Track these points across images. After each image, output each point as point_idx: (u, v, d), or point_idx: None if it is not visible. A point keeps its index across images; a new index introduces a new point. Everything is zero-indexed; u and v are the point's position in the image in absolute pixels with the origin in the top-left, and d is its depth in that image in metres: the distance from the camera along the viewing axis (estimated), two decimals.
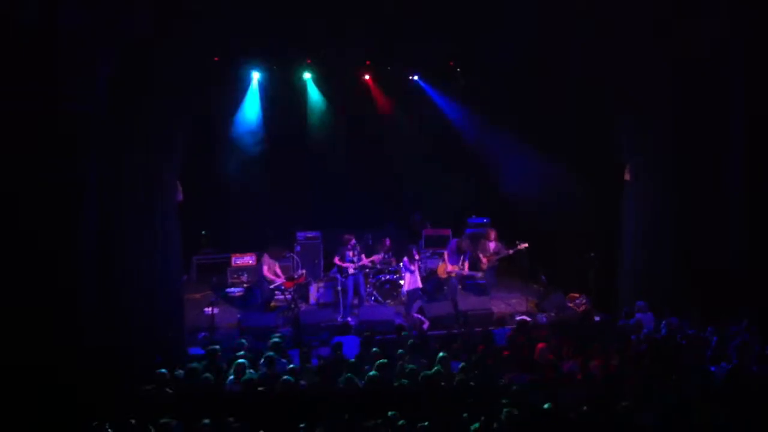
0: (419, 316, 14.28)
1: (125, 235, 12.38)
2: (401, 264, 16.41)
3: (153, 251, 13.05)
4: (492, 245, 17.20)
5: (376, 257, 16.66)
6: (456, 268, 16.58)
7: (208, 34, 13.37)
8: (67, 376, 10.41)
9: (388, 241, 17.50)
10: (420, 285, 16.32)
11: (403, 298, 16.40)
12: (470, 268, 16.95)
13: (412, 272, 16.05)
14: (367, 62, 18.26)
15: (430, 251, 17.94)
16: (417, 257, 16.26)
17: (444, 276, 16.69)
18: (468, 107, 19.04)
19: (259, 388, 9.92)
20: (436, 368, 10.41)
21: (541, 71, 15.91)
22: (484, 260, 17.16)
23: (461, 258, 16.68)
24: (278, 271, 16.56)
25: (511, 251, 16.94)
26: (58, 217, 10.67)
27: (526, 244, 16.71)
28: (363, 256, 16.21)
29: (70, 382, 10.36)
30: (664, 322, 12.39)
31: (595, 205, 16.07)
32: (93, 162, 11.30)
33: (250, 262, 17.42)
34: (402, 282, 16.54)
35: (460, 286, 17.29)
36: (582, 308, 15.25)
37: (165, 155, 13.20)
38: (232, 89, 17.99)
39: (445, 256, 16.88)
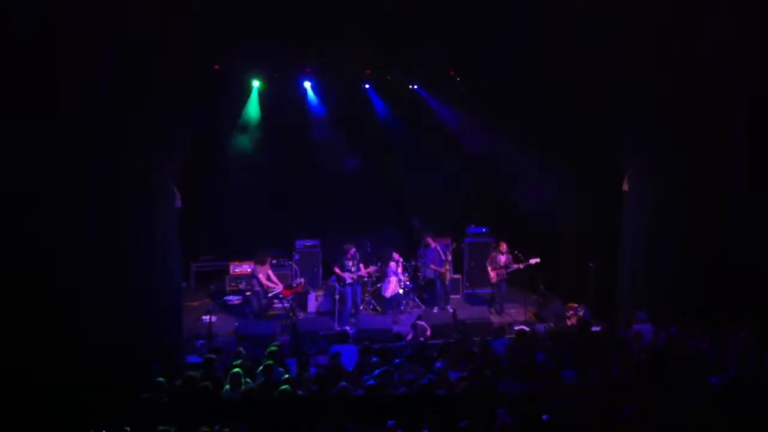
0: (423, 323, 14.34)
1: (125, 237, 12.40)
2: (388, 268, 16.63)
3: (153, 253, 13.11)
4: (503, 258, 16.95)
5: (372, 268, 16.77)
6: (447, 265, 17.12)
7: (209, 40, 13.43)
8: (67, 376, 10.38)
9: (386, 251, 17.69)
10: (399, 291, 16.47)
11: (401, 306, 16.55)
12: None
13: (396, 275, 16.24)
14: (367, 71, 18.29)
15: (423, 261, 17.92)
16: (399, 260, 16.42)
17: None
18: (468, 114, 19.06)
19: (256, 397, 9.92)
20: (433, 377, 10.42)
21: (541, 72, 15.93)
22: (492, 273, 17.01)
23: (437, 255, 17.10)
24: (273, 277, 16.60)
25: (521, 266, 16.74)
26: (58, 217, 10.65)
27: (538, 259, 16.58)
28: (362, 266, 16.30)
29: (70, 382, 10.33)
30: (663, 332, 12.39)
31: (596, 213, 16.13)
32: (93, 163, 11.31)
33: (249, 270, 17.42)
34: (381, 285, 16.84)
35: (456, 296, 17.49)
36: (578, 318, 15.22)
37: (166, 156, 13.27)
38: (233, 97, 18.00)
39: (434, 266, 17.15)
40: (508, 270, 16.90)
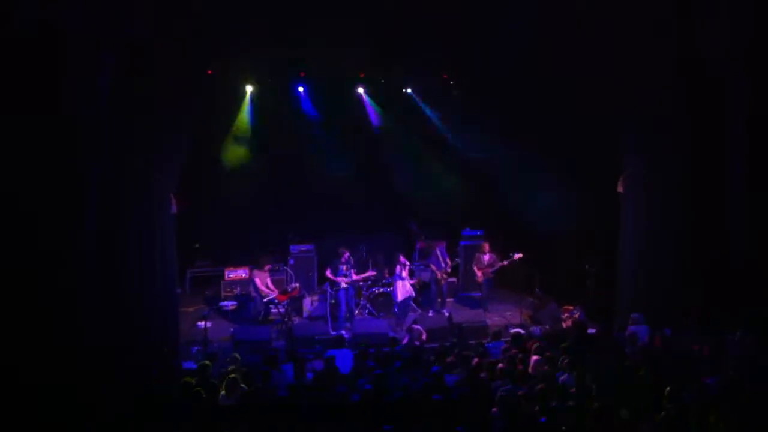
0: (419, 327, 14.26)
1: (125, 237, 12.40)
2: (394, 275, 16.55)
3: (152, 253, 13.12)
4: (486, 257, 17.23)
5: (369, 273, 16.71)
6: (445, 270, 17.10)
7: (207, 42, 13.39)
8: (67, 376, 10.36)
9: (381, 256, 17.67)
10: (411, 294, 16.40)
11: (396, 310, 16.43)
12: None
13: (402, 279, 16.15)
14: (361, 74, 18.23)
15: (423, 264, 17.92)
16: (406, 263, 16.38)
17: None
18: (466, 115, 18.93)
19: (253, 403, 9.84)
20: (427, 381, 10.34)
21: (541, 72, 15.85)
22: (479, 273, 17.20)
23: (436, 258, 17.10)
24: (270, 283, 16.53)
25: (506, 262, 16.95)
26: (58, 217, 10.67)
27: (521, 254, 16.73)
28: (353, 271, 16.19)
29: (69, 382, 10.31)
30: (658, 334, 12.31)
31: (595, 214, 16.04)
32: (93, 163, 11.31)
33: (244, 275, 17.36)
34: (393, 292, 16.60)
35: (451, 299, 17.41)
36: (573, 321, 15.13)
37: (165, 156, 13.27)
38: (226, 102, 17.92)
39: (434, 267, 17.08)
40: (494, 269, 17.11)
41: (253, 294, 16.51)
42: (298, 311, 16.98)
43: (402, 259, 16.56)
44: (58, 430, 9.73)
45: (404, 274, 16.46)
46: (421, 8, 14.15)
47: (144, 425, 8.96)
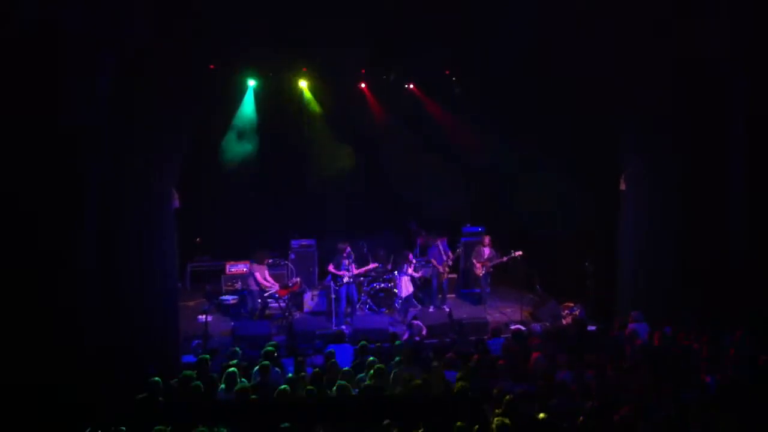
0: (418, 322, 14.29)
1: (125, 237, 12.38)
2: (396, 272, 16.61)
3: (151, 253, 13.08)
4: (486, 251, 17.28)
5: (371, 266, 16.72)
6: (447, 264, 17.16)
7: (208, 40, 13.40)
8: (67, 376, 10.41)
9: (382, 251, 17.66)
10: (411, 290, 16.43)
11: (397, 306, 16.45)
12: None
13: (408, 276, 16.17)
14: (363, 70, 18.22)
15: (424, 260, 17.91)
16: (413, 261, 16.42)
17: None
18: (466, 115, 18.91)
19: (252, 397, 9.87)
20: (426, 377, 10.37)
21: (541, 72, 15.85)
22: (478, 266, 17.23)
23: (438, 252, 17.17)
24: (268, 277, 16.52)
25: (505, 258, 16.99)
26: (58, 217, 10.70)
27: (520, 252, 16.77)
28: (352, 266, 16.18)
29: (69, 382, 10.37)
30: (658, 332, 12.33)
31: (595, 213, 16.04)
32: (93, 164, 11.32)
33: (245, 269, 17.34)
34: (396, 290, 16.66)
35: (451, 295, 17.40)
36: (573, 318, 15.15)
37: (165, 156, 13.26)
38: (229, 97, 17.94)
39: (434, 262, 17.15)
40: (492, 263, 17.16)
41: (253, 288, 16.44)
42: (299, 306, 16.99)
43: (410, 256, 16.61)
44: (58, 430, 9.77)
45: (410, 271, 16.51)
46: (421, 8, 14.15)
47: (144, 425, 8.98)
